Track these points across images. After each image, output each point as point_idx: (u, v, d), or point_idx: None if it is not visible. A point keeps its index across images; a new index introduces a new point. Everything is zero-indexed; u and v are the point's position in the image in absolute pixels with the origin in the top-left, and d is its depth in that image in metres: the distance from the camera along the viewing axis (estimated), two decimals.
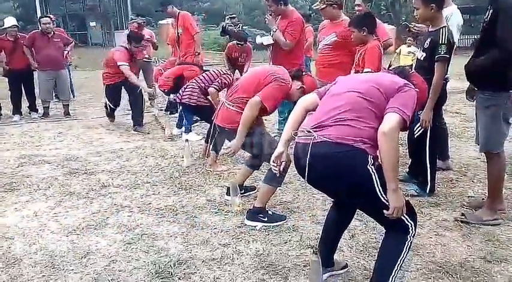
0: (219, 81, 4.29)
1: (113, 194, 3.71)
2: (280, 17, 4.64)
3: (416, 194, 3.46)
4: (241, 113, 3.07)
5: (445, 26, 3.26)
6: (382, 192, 1.94)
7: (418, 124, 3.32)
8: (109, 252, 2.73)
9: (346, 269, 2.47)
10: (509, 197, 3.43)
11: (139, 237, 2.91)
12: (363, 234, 2.87)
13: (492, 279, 2.38)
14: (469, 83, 3.31)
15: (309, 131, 2.05)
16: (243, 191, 3.52)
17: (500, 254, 2.62)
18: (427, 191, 3.49)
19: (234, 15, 9.38)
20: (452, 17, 3.79)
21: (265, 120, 4.19)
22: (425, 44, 3.33)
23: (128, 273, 2.49)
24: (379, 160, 1.95)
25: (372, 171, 1.94)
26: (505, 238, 2.81)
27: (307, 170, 2.03)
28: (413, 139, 3.56)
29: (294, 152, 2.14)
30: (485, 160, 3.17)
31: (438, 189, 3.63)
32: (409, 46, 9.45)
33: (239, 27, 8.80)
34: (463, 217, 3.05)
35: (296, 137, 2.15)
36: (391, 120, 1.93)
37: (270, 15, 4.64)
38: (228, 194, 3.49)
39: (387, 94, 2.02)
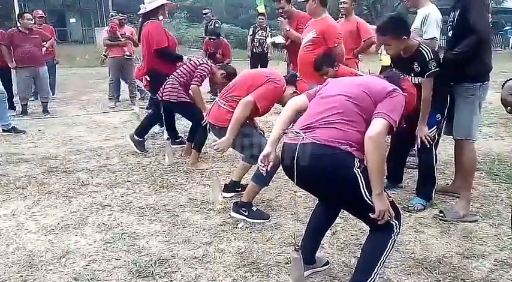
0: (198, 75, 4.24)
1: (92, 192, 3.66)
2: (287, 19, 4.87)
3: (423, 207, 3.26)
4: (232, 111, 3.06)
5: (420, 44, 3.14)
6: (368, 195, 1.98)
7: (432, 128, 3.18)
8: (88, 251, 2.69)
9: (327, 266, 2.48)
10: (486, 194, 3.51)
11: (119, 236, 2.87)
12: (344, 231, 2.89)
13: (469, 275, 2.42)
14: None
15: (297, 132, 2.07)
16: (239, 189, 3.52)
17: (478, 250, 2.68)
18: (432, 198, 3.33)
19: (207, 11, 9.84)
20: (431, 14, 3.85)
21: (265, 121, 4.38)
22: (416, 69, 3.13)
23: (108, 273, 2.46)
24: (365, 163, 1.98)
25: (358, 174, 1.97)
26: (482, 234, 2.87)
27: (295, 170, 2.04)
28: (400, 143, 3.47)
29: (282, 152, 2.16)
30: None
31: None
32: None
33: (212, 23, 9.05)
34: (441, 215, 3.11)
35: (284, 137, 2.17)
36: (377, 125, 1.96)
37: (282, 17, 4.87)
38: (226, 191, 3.52)
39: (376, 99, 2.05)
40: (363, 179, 1.96)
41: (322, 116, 2.06)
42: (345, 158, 1.97)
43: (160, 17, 4.71)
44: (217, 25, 9.40)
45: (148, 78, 5.22)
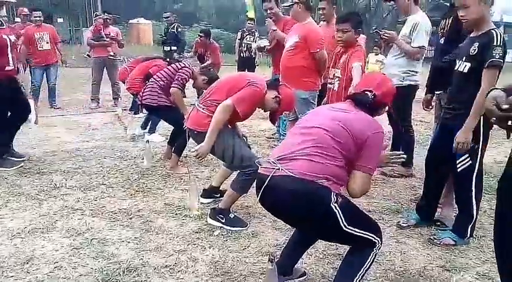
0: (179, 78, 4.13)
1: (64, 195, 3.51)
2: (275, 22, 4.86)
3: (453, 242, 2.83)
4: (211, 116, 2.94)
5: (496, 28, 2.63)
6: (347, 225, 1.93)
7: (465, 156, 2.73)
8: (54, 257, 2.55)
9: (304, 277, 2.39)
10: None
11: (88, 242, 2.74)
12: (322, 241, 2.79)
13: None
14: (425, 93, 3.40)
15: (273, 162, 2.02)
16: (218, 195, 3.42)
17: (459, 263, 2.61)
18: (468, 236, 2.85)
19: (168, 14, 9.45)
20: (422, 22, 3.82)
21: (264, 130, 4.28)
22: (472, 51, 2.62)
23: (73, 281, 2.32)
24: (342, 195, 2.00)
25: (336, 209, 1.91)
26: (464, 247, 2.80)
27: (267, 202, 2.08)
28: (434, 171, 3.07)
29: (256, 182, 2.12)
30: None
31: (400, 195, 3.63)
32: (376, 54, 9.59)
33: (173, 27, 8.93)
34: (438, 224, 3.09)
35: (260, 167, 2.12)
36: (359, 181, 2.01)
37: (270, 18, 4.84)
38: (204, 196, 3.42)
39: (356, 137, 2.00)
40: (341, 213, 1.92)
41: (300, 147, 2.01)
42: (321, 193, 1.92)
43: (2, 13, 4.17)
44: (179, 29, 9.08)
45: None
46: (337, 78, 3.62)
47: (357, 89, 2.33)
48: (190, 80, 4.24)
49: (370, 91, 2.22)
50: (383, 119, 3.85)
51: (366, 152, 2.01)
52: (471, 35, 2.74)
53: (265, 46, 5.01)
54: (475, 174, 2.76)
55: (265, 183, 1.99)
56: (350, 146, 1.99)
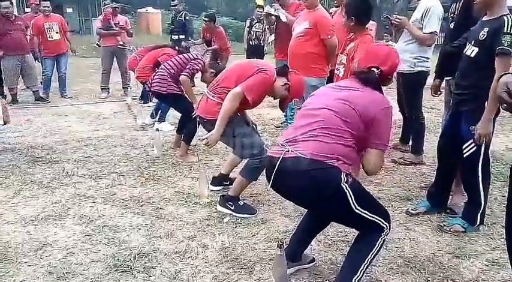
0: (190, 68, 4.13)
1: (76, 183, 3.55)
2: (282, 7, 4.94)
3: (463, 229, 2.80)
4: (221, 103, 2.94)
5: (509, 14, 2.52)
6: (357, 206, 1.94)
7: (470, 141, 2.70)
8: (67, 244, 2.60)
9: (313, 263, 2.40)
10: None
11: (100, 229, 2.78)
12: (332, 227, 2.78)
13: (460, 275, 2.34)
14: (434, 79, 3.35)
15: (282, 145, 2.02)
16: (228, 183, 3.43)
17: (469, 250, 2.60)
18: (477, 223, 2.82)
19: (176, 2, 9.16)
20: (434, 7, 3.75)
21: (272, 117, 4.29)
22: (481, 36, 2.56)
23: (85, 267, 2.36)
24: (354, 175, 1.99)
25: (346, 189, 1.91)
26: (474, 233, 2.79)
27: (278, 184, 2.06)
28: (445, 158, 3.03)
29: (266, 165, 2.13)
30: None
31: (410, 183, 3.61)
32: (386, 41, 9.47)
33: (181, 15, 8.85)
34: (448, 211, 3.07)
35: (269, 151, 2.14)
36: (373, 158, 2.02)
37: (277, 2, 4.97)
38: (213, 184, 3.44)
39: (362, 115, 1.98)
40: (351, 193, 1.92)
41: (308, 129, 2.01)
42: (332, 173, 1.91)
43: None
44: (187, 18, 8.90)
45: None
46: (343, 65, 3.54)
47: (362, 66, 2.24)
48: (200, 72, 4.25)
49: (377, 67, 2.16)
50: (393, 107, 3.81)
51: (375, 128, 2.00)
52: (483, 19, 2.67)
53: (276, 14, 4.98)
54: (480, 160, 2.73)
55: (276, 166, 1.99)
56: (358, 124, 1.97)
